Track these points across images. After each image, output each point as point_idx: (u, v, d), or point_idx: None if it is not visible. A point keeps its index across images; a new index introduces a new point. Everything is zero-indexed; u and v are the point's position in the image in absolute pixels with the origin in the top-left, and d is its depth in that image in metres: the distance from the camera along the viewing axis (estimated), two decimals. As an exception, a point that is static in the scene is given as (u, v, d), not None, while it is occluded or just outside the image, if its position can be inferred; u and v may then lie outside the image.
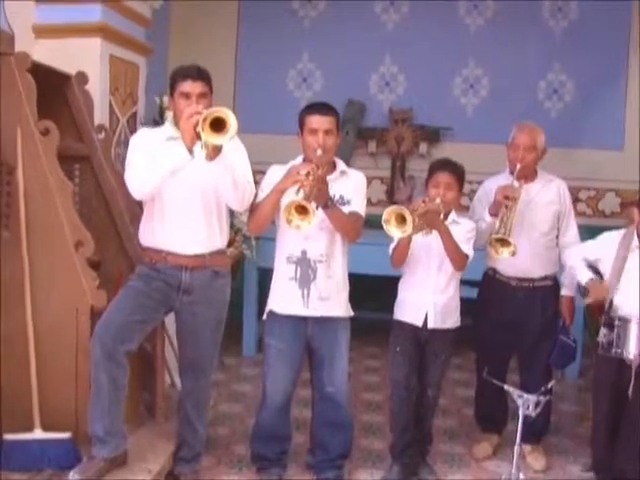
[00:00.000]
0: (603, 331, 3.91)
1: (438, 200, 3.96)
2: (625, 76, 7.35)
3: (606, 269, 4.08)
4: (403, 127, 7.32)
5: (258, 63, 7.47)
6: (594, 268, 4.16)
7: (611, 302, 4.03)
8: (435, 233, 3.94)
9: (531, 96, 7.41)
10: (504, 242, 4.07)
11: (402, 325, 4.17)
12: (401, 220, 3.69)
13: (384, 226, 3.72)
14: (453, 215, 4.12)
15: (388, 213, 3.71)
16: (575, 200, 7.33)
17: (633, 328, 3.82)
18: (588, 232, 6.46)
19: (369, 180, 7.14)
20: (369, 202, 7.09)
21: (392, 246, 4.08)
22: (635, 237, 3.99)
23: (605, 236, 4.15)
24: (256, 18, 7.40)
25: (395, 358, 4.22)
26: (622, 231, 4.09)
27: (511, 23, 7.22)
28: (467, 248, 4.05)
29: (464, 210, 4.62)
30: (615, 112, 7.34)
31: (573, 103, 7.44)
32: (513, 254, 4.06)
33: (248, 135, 6.67)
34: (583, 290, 5.19)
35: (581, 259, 4.18)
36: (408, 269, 4.16)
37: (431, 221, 3.88)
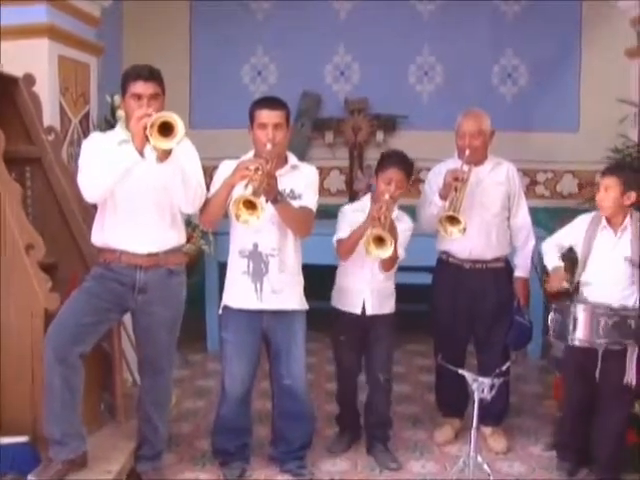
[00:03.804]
0: (553, 316, 3.95)
1: (387, 196, 4.03)
2: (578, 57, 7.39)
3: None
4: (359, 117, 7.33)
5: (212, 58, 7.45)
6: (566, 255, 4.22)
7: (578, 283, 4.08)
8: None
9: (485, 81, 7.46)
10: (453, 220, 4.11)
11: (342, 313, 4.30)
12: (379, 241, 3.82)
13: (369, 255, 3.88)
14: (396, 211, 4.21)
15: (366, 242, 3.84)
16: (533, 183, 7.46)
17: (580, 314, 3.85)
18: (547, 214, 6.59)
19: (327, 171, 7.33)
20: (328, 192, 7.26)
21: (337, 237, 4.14)
22: (603, 219, 4.03)
23: (578, 220, 4.18)
24: (209, 13, 7.38)
25: (340, 347, 4.39)
26: (592, 214, 4.13)
27: (463, 8, 7.22)
28: (401, 251, 4.15)
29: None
30: (569, 94, 7.39)
31: (527, 87, 7.49)
32: (463, 232, 4.11)
33: (205, 130, 6.81)
34: (541, 275, 5.27)
35: (555, 245, 4.22)
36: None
37: (392, 230, 3.95)
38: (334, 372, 4.60)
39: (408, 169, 4.20)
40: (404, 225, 4.23)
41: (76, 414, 3.68)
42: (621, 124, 5.12)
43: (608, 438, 4.00)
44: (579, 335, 3.86)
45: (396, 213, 4.20)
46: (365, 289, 4.23)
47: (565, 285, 4.07)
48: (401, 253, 4.16)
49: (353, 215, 4.21)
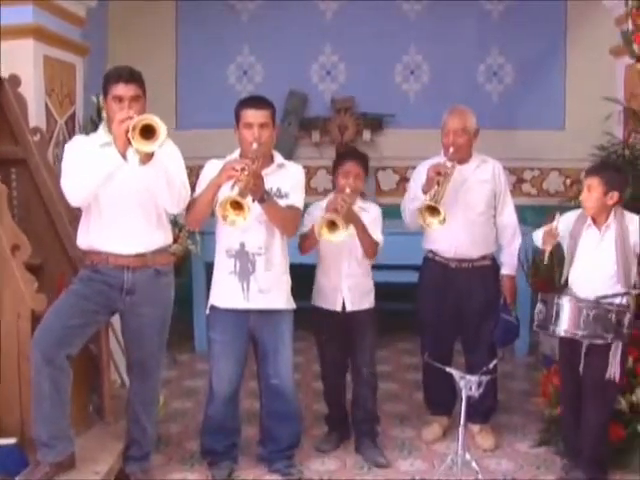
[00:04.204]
0: (539, 307, 3.98)
1: (348, 190, 4.08)
2: (563, 55, 7.43)
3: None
4: (346, 116, 7.33)
5: (198, 58, 7.44)
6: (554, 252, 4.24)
7: (566, 280, 4.11)
8: None
9: (471, 80, 7.48)
10: (434, 211, 4.12)
11: (323, 312, 4.35)
12: (332, 225, 3.86)
13: (320, 238, 3.91)
14: (360, 202, 4.27)
15: (319, 225, 3.87)
16: (520, 180, 7.49)
17: (566, 305, 3.88)
18: (534, 211, 6.60)
19: (314, 170, 7.33)
20: (315, 192, 7.25)
21: (299, 232, 4.18)
22: (588, 217, 4.05)
23: (566, 216, 4.20)
24: (195, 13, 7.36)
25: (323, 345, 4.45)
26: (578, 211, 4.15)
27: (449, 8, 7.24)
28: (377, 235, 4.22)
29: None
30: (555, 92, 7.43)
31: (513, 85, 7.52)
32: (443, 222, 4.12)
33: (191, 130, 6.81)
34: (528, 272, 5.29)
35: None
36: (321, 256, 4.31)
37: (349, 217, 3.99)
38: (321, 371, 4.60)
39: (364, 162, 4.31)
40: (372, 214, 4.30)
41: (64, 416, 3.66)
42: (606, 122, 5.13)
43: (590, 433, 4.02)
44: (561, 326, 3.89)
45: (361, 204, 4.27)
46: (343, 286, 4.28)
47: (554, 236, 4.05)
48: (378, 237, 4.23)
49: (319, 212, 4.22)
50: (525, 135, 7.35)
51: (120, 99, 3.60)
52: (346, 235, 3.94)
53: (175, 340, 4.79)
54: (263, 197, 3.71)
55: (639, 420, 4.21)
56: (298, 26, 7.39)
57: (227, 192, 3.66)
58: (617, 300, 3.91)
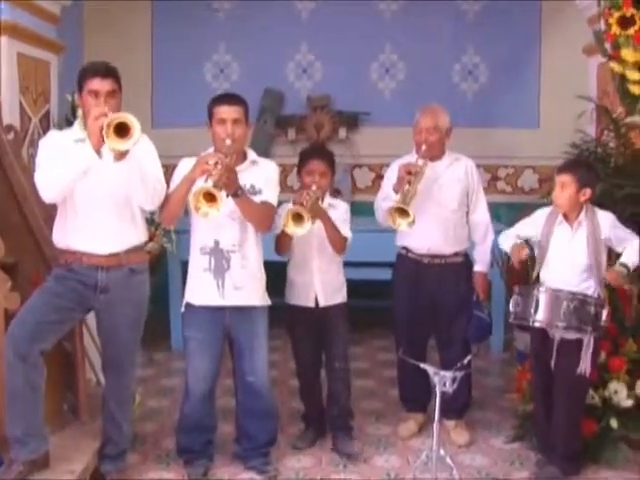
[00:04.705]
0: (516, 299, 4.01)
1: (314, 187, 4.11)
2: (538, 55, 7.47)
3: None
4: (321, 114, 7.33)
5: (175, 57, 7.41)
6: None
7: (538, 276, 4.15)
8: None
9: (447, 78, 7.50)
10: (403, 213, 4.15)
11: (297, 308, 4.37)
12: (298, 218, 3.89)
13: (285, 230, 3.94)
14: (328, 199, 4.31)
15: (285, 217, 3.91)
16: (494, 178, 7.53)
17: (542, 296, 3.92)
18: (508, 209, 6.64)
19: (290, 168, 7.29)
20: (291, 190, 7.23)
21: (274, 234, 4.20)
22: (560, 214, 4.09)
23: (537, 214, 4.25)
24: (171, 12, 7.33)
25: (297, 341, 4.47)
26: (550, 208, 4.19)
27: (424, 7, 7.25)
28: (345, 231, 4.25)
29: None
30: (529, 91, 7.47)
31: (488, 84, 7.55)
32: (411, 224, 4.14)
33: (168, 128, 6.78)
34: (502, 269, 5.32)
35: (513, 236, 4.27)
36: (292, 253, 4.34)
37: (316, 211, 4.01)
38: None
39: (329, 159, 4.34)
40: (340, 210, 4.33)
41: (38, 413, 3.66)
42: (579, 120, 5.18)
43: (562, 428, 4.07)
44: (540, 317, 3.92)
45: (329, 201, 4.31)
46: (316, 282, 4.31)
47: (525, 252, 4.10)
48: (347, 232, 4.26)
49: None
50: (500, 133, 7.38)
51: (96, 94, 3.60)
52: (313, 228, 3.99)
53: (151, 338, 4.79)
54: (237, 192, 3.72)
55: (612, 415, 4.27)
56: (274, 24, 7.39)
57: (201, 184, 3.67)
58: (595, 294, 3.97)
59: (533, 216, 4.26)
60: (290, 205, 4.12)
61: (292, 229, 3.93)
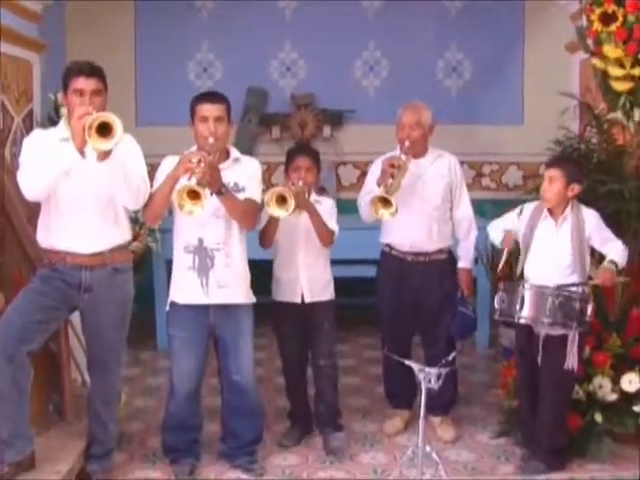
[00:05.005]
0: (501, 296, 4.02)
1: (300, 183, 4.13)
2: (521, 51, 7.51)
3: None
4: (306, 112, 7.33)
5: (158, 55, 7.38)
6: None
7: (522, 270, 4.17)
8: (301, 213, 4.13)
9: (430, 75, 7.52)
10: (386, 203, 4.15)
11: (283, 304, 4.37)
12: (281, 200, 3.90)
13: (266, 208, 3.94)
14: (314, 196, 4.33)
15: (269, 195, 3.90)
16: (479, 175, 7.55)
17: (528, 292, 3.93)
18: (493, 205, 6.66)
19: (275, 166, 7.31)
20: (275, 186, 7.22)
21: (259, 227, 4.20)
22: (545, 209, 4.11)
23: (523, 207, 4.26)
24: (154, 11, 7.29)
25: (283, 338, 4.47)
26: (535, 203, 4.22)
27: (407, 4, 7.25)
28: (332, 224, 4.27)
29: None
30: (513, 87, 7.50)
31: (472, 80, 7.57)
32: (394, 214, 4.15)
33: (151, 127, 6.76)
34: (487, 266, 5.33)
35: (500, 228, 4.29)
36: (278, 249, 4.34)
37: (301, 202, 4.03)
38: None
39: (314, 156, 4.38)
40: (326, 205, 4.35)
41: (24, 414, 3.65)
42: (563, 116, 5.20)
43: (548, 423, 4.09)
44: (525, 313, 3.94)
45: (315, 197, 4.33)
46: (302, 277, 4.31)
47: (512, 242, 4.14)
48: (333, 226, 4.28)
49: None
50: (484, 130, 7.40)
51: (81, 93, 3.60)
52: (299, 221, 4.07)
53: (137, 338, 4.79)
54: (220, 189, 3.72)
55: (596, 409, 4.29)
56: (258, 23, 7.37)
57: (184, 182, 3.66)
58: (579, 289, 3.99)
59: (518, 209, 4.28)
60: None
61: (275, 211, 3.94)
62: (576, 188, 4.03)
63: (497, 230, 4.28)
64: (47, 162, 3.49)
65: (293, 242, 4.28)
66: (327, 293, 4.41)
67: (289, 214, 3.94)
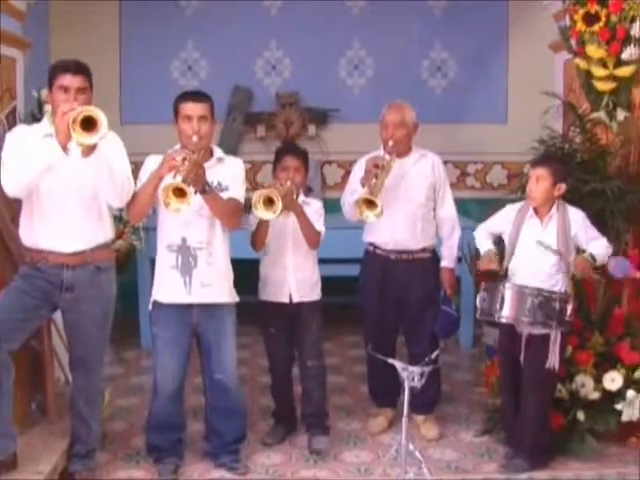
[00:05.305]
0: (482, 295, 4.03)
1: (289, 183, 4.15)
2: (506, 51, 7.54)
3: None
4: (291, 110, 7.33)
5: (142, 54, 7.36)
6: (497, 240, 4.32)
7: (506, 269, 4.18)
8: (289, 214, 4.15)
9: (415, 74, 7.53)
10: (371, 204, 4.15)
11: (270, 304, 4.38)
12: (269, 202, 3.90)
13: (253, 210, 3.94)
14: (302, 197, 4.34)
15: (256, 197, 3.91)
16: (463, 174, 7.57)
17: (508, 292, 3.95)
18: (478, 205, 6.68)
19: (260, 165, 7.31)
20: (261, 187, 7.18)
21: (250, 231, 4.23)
22: (530, 208, 4.13)
23: (507, 208, 4.29)
24: (138, 9, 7.27)
25: (270, 338, 4.46)
26: (521, 203, 4.24)
27: (392, 3, 7.26)
28: (319, 225, 4.29)
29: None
30: (498, 87, 7.53)
31: (456, 80, 7.59)
32: (379, 215, 4.15)
33: (136, 126, 6.74)
34: (471, 264, 5.35)
35: (486, 231, 4.32)
36: (266, 249, 4.35)
37: (288, 203, 4.04)
38: (267, 366, 4.61)
39: (303, 156, 4.39)
40: (313, 207, 4.36)
41: (6, 414, 3.64)
42: (546, 116, 5.22)
43: (530, 422, 4.11)
44: (505, 313, 3.96)
45: (303, 198, 4.35)
46: (290, 278, 4.32)
47: (493, 267, 4.16)
48: (320, 228, 4.30)
49: None
50: (468, 129, 7.42)
51: (66, 89, 3.59)
52: (288, 222, 4.08)
53: (121, 337, 4.77)
54: (204, 188, 3.72)
55: (579, 407, 4.31)
56: (242, 21, 7.36)
57: (169, 181, 3.66)
58: (562, 289, 4.01)
59: (503, 211, 4.30)
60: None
61: (263, 213, 3.94)
62: (563, 188, 4.06)
63: (484, 233, 4.30)
64: (30, 158, 3.48)
65: (281, 243, 4.28)
66: (315, 293, 4.41)
67: (276, 216, 3.95)
